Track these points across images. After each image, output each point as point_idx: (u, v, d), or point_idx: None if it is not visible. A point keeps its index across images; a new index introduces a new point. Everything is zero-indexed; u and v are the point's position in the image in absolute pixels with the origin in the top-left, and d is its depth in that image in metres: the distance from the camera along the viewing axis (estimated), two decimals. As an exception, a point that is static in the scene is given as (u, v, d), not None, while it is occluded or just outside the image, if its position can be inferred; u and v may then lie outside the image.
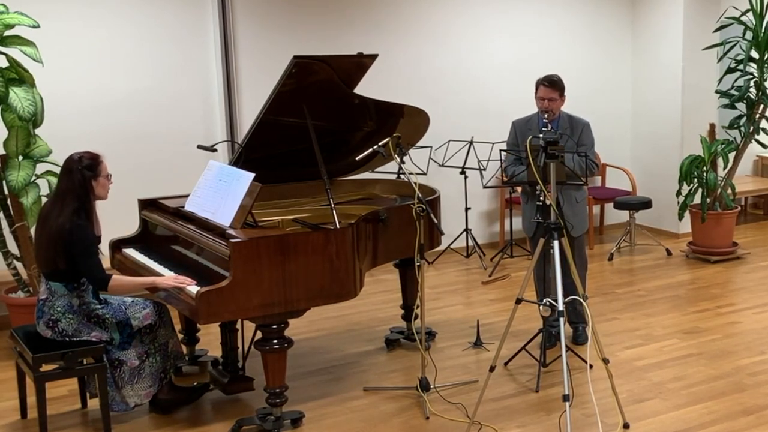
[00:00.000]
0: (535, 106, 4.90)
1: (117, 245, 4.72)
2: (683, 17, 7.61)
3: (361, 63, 4.57)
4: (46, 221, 3.97)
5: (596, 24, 8.04)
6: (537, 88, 4.83)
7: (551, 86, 4.78)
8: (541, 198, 4.00)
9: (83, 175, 3.92)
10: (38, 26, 5.00)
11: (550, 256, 3.99)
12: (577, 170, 4.60)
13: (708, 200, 6.99)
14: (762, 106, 6.96)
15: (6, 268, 5.29)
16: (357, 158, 4.61)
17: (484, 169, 6.78)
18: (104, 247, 4.45)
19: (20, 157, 5.04)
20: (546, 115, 4.64)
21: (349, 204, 4.96)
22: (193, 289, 3.81)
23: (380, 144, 4.31)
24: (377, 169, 5.34)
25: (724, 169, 7.14)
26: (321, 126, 4.52)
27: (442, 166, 7.03)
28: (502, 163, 5.52)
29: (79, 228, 3.87)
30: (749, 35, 6.89)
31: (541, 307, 4.13)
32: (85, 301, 4.01)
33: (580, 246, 5.09)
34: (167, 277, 4.05)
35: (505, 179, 4.93)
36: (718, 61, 7.38)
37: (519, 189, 7.19)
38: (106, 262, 4.31)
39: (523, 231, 5.40)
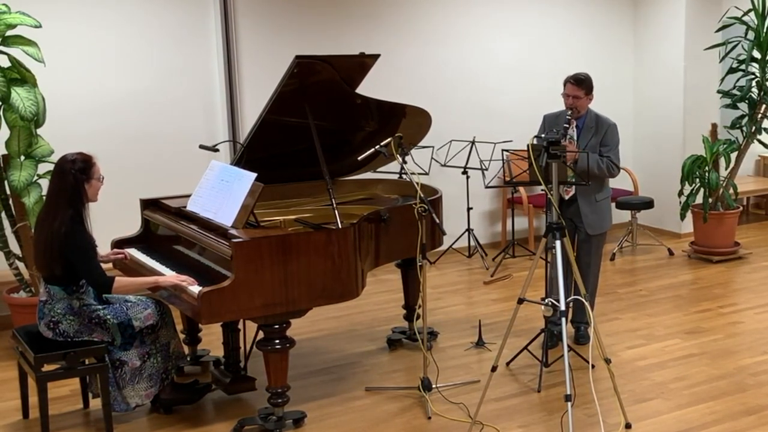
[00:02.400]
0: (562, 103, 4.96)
1: (119, 245, 4.71)
2: (685, 17, 7.61)
3: (363, 63, 4.57)
4: (41, 226, 3.93)
5: (598, 24, 8.04)
6: (564, 86, 4.91)
7: (577, 84, 4.85)
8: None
9: (76, 177, 3.88)
10: (40, 26, 5.00)
11: (569, 255, 3.99)
12: (594, 170, 4.66)
13: (710, 200, 6.98)
14: (764, 106, 6.95)
15: (8, 268, 5.29)
16: (359, 158, 4.61)
17: (486, 169, 6.77)
18: (105, 248, 4.46)
19: (22, 157, 5.04)
20: (570, 112, 4.71)
21: (351, 204, 4.96)
22: (195, 289, 3.80)
23: (382, 144, 4.30)
24: (379, 169, 5.33)
25: (726, 169, 7.13)
26: (323, 126, 4.52)
27: (444, 166, 7.03)
28: (504, 163, 5.50)
29: (76, 233, 3.84)
30: (751, 35, 6.89)
31: (543, 307, 4.13)
32: (86, 302, 3.99)
33: (597, 245, 5.05)
34: (169, 276, 4.05)
35: (507, 179, 4.93)
36: (720, 61, 7.38)
37: (521, 189, 7.23)
38: (107, 263, 4.32)
39: (529, 231, 5.38)
